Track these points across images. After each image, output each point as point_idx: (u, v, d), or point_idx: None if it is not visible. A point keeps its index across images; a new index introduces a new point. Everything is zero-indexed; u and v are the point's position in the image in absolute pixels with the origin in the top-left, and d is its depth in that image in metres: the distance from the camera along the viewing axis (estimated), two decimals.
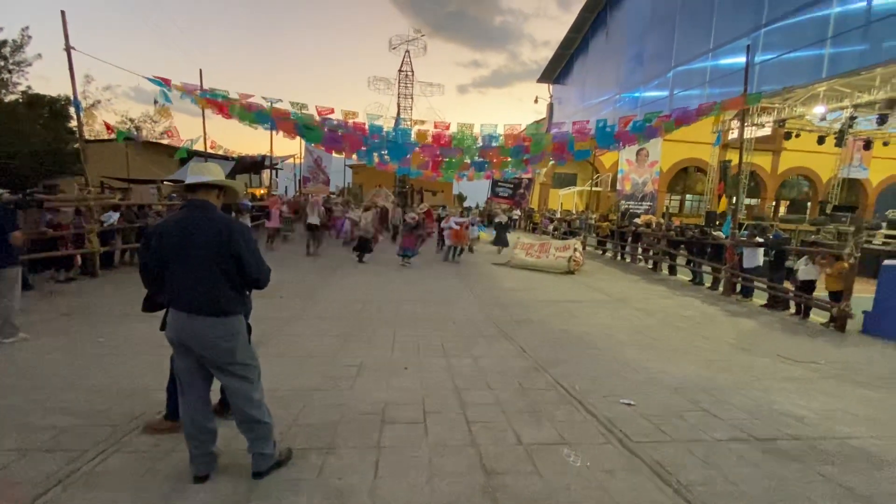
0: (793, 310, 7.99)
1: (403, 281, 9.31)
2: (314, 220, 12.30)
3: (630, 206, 24.10)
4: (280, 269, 9.23)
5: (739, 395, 4.04)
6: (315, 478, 2.54)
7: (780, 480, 2.71)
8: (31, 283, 7.16)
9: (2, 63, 20.44)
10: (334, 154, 15.74)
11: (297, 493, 2.40)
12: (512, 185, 27.08)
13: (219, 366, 2.37)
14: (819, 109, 15.74)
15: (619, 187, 25.72)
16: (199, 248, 2.28)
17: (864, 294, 7.17)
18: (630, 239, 14.48)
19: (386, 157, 13.09)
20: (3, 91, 21.13)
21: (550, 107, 31.36)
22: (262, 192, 24.69)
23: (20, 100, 21.75)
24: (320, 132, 10.64)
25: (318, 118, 10.57)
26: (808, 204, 30.12)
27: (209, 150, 16.14)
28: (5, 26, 20.87)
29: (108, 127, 11.42)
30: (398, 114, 34.43)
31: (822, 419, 3.62)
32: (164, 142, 16.12)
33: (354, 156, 12.68)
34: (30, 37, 20.62)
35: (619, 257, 15.03)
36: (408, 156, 12.45)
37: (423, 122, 11.49)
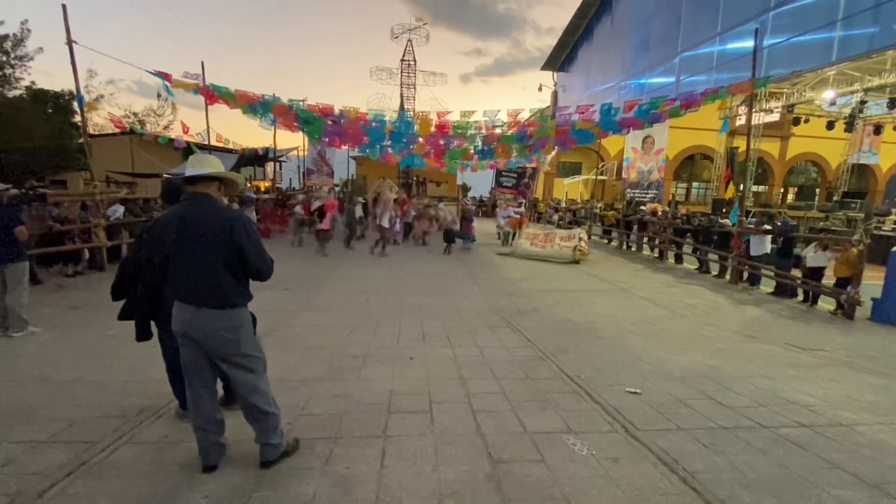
0: (801, 297, 7.93)
1: (408, 272, 9.32)
2: (384, 222, 12.04)
3: (636, 195, 23.95)
4: (285, 261, 9.27)
5: (746, 383, 4.02)
6: (322, 467, 2.56)
7: (786, 468, 2.70)
8: (39, 277, 7.24)
9: (3, 58, 20.43)
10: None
11: (305, 481, 2.42)
12: (516, 175, 26.94)
13: (224, 357, 2.38)
14: (828, 94, 15.51)
15: (624, 175, 25.55)
16: (201, 241, 2.28)
17: (873, 281, 7.10)
18: (636, 228, 14.38)
19: (388, 148, 13.04)
20: (6, 86, 21.17)
21: (555, 94, 31.03)
22: (266, 184, 24.73)
23: (24, 95, 21.81)
24: (321, 124, 10.58)
25: (319, 108, 10.52)
26: (817, 190, 29.78)
27: (215, 143, 16.14)
28: (5, 20, 20.76)
29: (112, 120, 11.41)
30: (401, 105, 34.21)
31: (830, 406, 3.60)
32: (172, 135, 16.17)
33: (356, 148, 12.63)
34: (29, 30, 20.60)
35: (624, 246, 14.95)
36: (411, 146, 12.40)
37: (426, 114, 11.41)
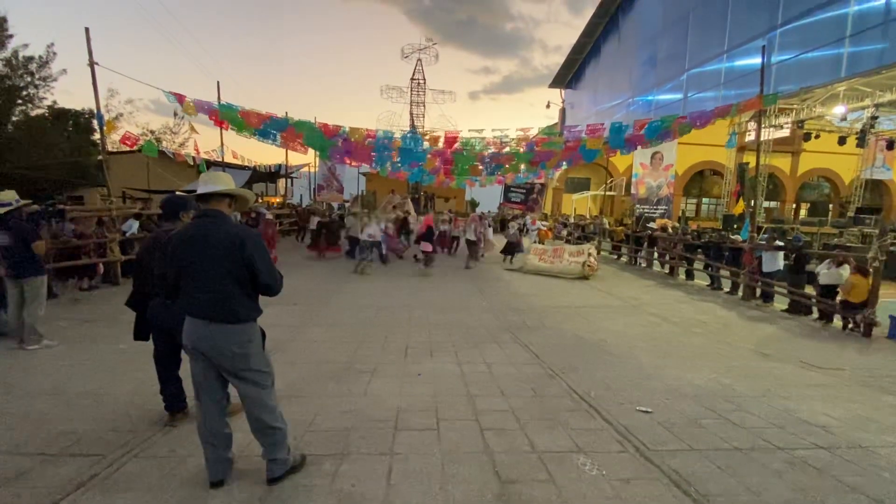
0: (816, 314, 7.78)
1: (416, 287, 9.32)
2: (471, 235, 12.84)
3: (645, 211, 23.83)
4: (295, 277, 9.34)
5: (760, 402, 3.93)
6: (329, 484, 2.54)
7: (804, 491, 2.63)
8: (55, 291, 7.37)
9: (29, 79, 21.16)
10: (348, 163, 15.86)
11: (311, 499, 2.40)
12: (524, 191, 26.99)
13: (233, 372, 2.40)
14: (839, 109, 15.42)
15: (633, 191, 25.48)
16: (212, 257, 2.32)
17: (890, 298, 6.95)
18: (646, 244, 14.29)
19: (398, 164, 13.22)
20: (30, 105, 21.87)
21: (563, 112, 31.28)
22: (277, 199, 25.08)
23: (47, 114, 22.50)
24: (330, 144, 10.79)
25: (327, 129, 10.74)
26: (830, 206, 29.40)
27: (232, 161, 16.42)
28: (31, 42, 21.58)
29: (125, 141, 11.58)
30: (411, 123, 34.69)
31: (848, 427, 3.50)
32: (185, 152, 16.49)
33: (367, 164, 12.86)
34: (55, 53, 21.33)
35: (634, 262, 14.83)
36: (420, 163, 12.56)
37: (433, 132, 11.65)
